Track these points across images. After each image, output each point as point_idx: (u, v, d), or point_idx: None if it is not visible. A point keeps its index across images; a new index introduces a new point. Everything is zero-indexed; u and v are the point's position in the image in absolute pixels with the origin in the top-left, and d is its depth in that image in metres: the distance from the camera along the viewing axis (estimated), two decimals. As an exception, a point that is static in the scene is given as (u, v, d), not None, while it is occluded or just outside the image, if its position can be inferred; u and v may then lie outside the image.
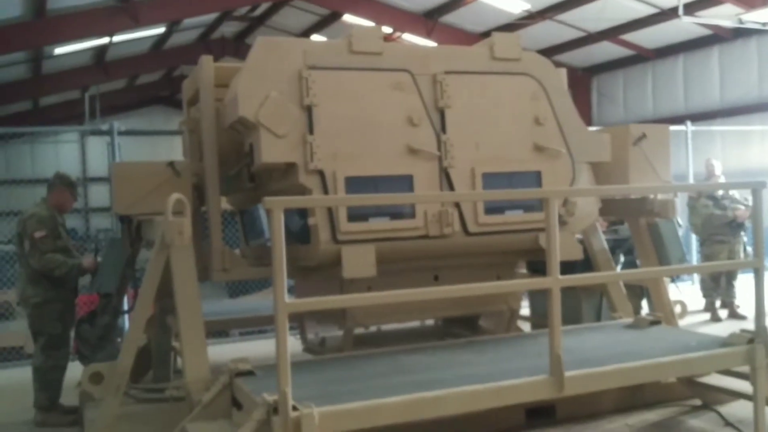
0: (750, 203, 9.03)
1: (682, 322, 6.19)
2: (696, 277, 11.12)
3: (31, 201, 6.20)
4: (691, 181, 11.67)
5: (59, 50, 16.45)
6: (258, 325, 8.14)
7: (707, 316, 9.13)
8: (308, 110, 4.70)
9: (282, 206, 3.57)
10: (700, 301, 9.38)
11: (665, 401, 5.33)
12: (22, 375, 6.94)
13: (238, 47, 20.94)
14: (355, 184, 4.72)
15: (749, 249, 8.81)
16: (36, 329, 5.77)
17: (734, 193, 9.11)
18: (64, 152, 22.91)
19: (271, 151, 4.61)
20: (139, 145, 17.14)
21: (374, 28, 5.21)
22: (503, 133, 5.19)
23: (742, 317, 8.81)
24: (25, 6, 12.87)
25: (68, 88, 20.35)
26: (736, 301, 9.13)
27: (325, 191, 4.66)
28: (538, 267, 6.04)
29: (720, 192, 8.96)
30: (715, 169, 9.39)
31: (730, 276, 9.16)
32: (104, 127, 8.51)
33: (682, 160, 11.53)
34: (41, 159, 22.97)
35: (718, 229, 8.93)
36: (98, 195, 21.63)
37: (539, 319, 6.60)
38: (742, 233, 9.06)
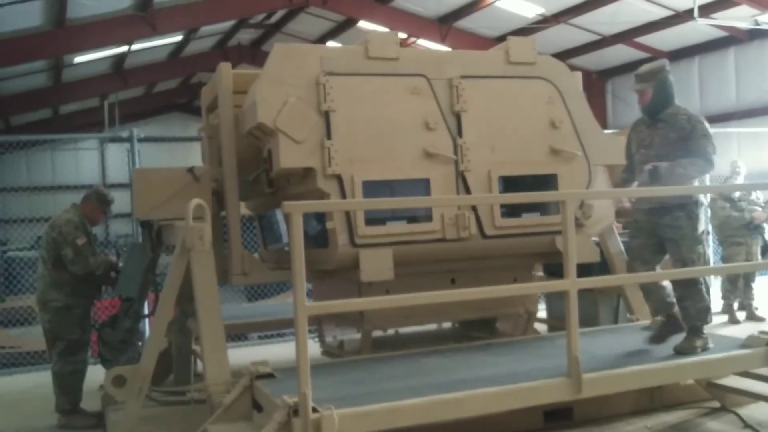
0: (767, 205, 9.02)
1: (700, 325, 6.17)
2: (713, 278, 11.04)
3: (52, 207, 6.20)
4: (708, 182, 11.59)
5: (78, 59, 16.64)
6: (277, 329, 8.19)
7: (725, 318, 9.06)
8: (326, 116, 4.76)
9: (301, 210, 3.63)
10: (717, 303, 9.31)
11: (684, 403, 5.30)
12: (45, 379, 7.01)
13: (254, 54, 21.06)
14: (372, 188, 4.77)
15: None
16: (54, 334, 5.78)
17: (754, 194, 9.05)
18: (84, 159, 23.09)
19: (289, 157, 4.67)
20: (157, 152, 17.28)
21: (390, 34, 5.26)
22: (519, 137, 5.22)
23: (761, 319, 8.74)
24: (45, 16, 13.04)
25: (88, 96, 20.54)
26: (754, 303, 9.05)
27: (343, 195, 4.71)
28: (554, 269, 6.06)
29: (737, 194, 8.91)
30: (740, 170, 9.29)
31: (748, 278, 9.09)
32: (124, 134, 8.59)
33: (699, 162, 11.43)
34: (61, 166, 23.16)
35: (736, 230, 8.89)
36: (118, 201, 21.43)
37: (556, 322, 6.60)
38: (760, 235, 9.00)
